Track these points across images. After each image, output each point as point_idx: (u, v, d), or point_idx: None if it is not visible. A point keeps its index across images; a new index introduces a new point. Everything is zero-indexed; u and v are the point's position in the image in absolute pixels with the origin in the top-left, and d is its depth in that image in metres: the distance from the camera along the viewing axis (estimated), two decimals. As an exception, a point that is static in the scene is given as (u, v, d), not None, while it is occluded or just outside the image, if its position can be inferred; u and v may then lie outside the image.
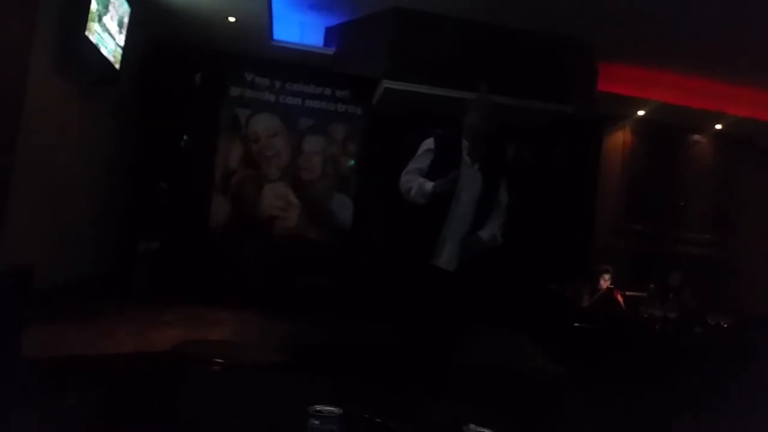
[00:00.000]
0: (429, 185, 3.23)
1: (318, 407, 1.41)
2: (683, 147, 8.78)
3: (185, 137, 6.95)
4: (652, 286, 6.87)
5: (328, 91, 7.80)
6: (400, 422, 1.74)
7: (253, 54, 7.39)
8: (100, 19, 5.06)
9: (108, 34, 5.31)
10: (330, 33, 7.23)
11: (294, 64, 7.51)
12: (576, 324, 5.96)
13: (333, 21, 7.11)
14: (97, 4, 4.95)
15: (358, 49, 7.02)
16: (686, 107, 7.75)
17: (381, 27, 6.72)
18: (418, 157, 3.43)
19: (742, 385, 4.77)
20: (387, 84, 6.65)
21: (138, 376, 3.33)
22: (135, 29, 5.95)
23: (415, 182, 3.30)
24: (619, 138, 8.60)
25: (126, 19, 5.69)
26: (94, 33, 4.98)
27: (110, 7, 5.28)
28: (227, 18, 6.44)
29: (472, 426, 1.62)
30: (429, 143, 3.41)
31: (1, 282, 2.45)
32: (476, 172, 3.35)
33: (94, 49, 5.06)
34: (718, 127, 8.43)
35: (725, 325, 6.16)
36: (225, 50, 7.31)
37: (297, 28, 7.18)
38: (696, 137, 8.75)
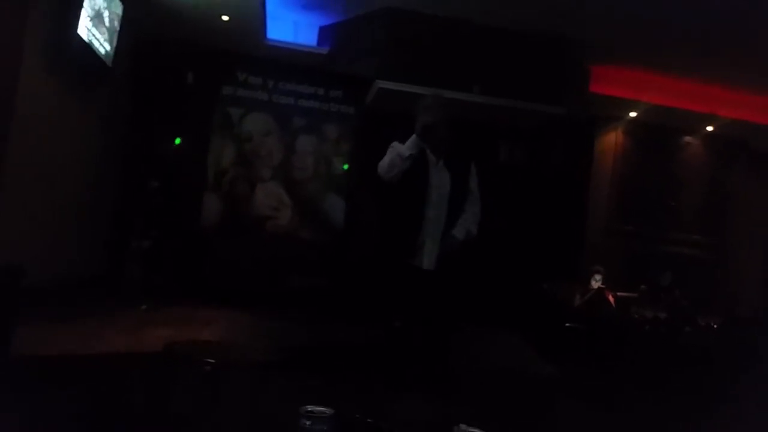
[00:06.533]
0: (402, 147, 3.28)
1: (309, 407, 1.41)
2: (675, 148, 8.83)
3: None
4: (643, 286, 6.91)
5: (321, 91, 7.79)
6: (391, 422, 1.75)
7: (246, 53, 7.37)
8: (92, 18, 5.04)
9: (100, 33, 5.28)
10: (324, 32, 7.22)
11: (287, 63, 7.49)
12: (567, 324, 5.99)
13: (327, 20, 7.11)
14: (90, 2, 4.92)
15: (351, 49, 7.02)
16: (678, 109, 7.81)
17: (375, 27, 6.73)
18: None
19: (732, 384, 4.80)
20: (380, 84, 6.66)
21: (129, 377, 3.32)
22: (128, 27, 5.92)
23: (390, 154, 3.34)
24: (611, 139, 8.65)
25: (119, 18, 5.66)
26: (87, 31, 4.96)
27: (103, 6, 5.26)
28: (221, 16, 6.42)
29: (462, 426, 1.62)
30: (393, 144, 3.42)
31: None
32: (442, 168, 3.38)
33: (87, 47, 5.03)
34: (710, 128, 8.50)
35: (715, 326, 6.21)
36: (218, 49, 7.28)
37: (290, 27, 7.18)
38: (687, 139, 8.81)
